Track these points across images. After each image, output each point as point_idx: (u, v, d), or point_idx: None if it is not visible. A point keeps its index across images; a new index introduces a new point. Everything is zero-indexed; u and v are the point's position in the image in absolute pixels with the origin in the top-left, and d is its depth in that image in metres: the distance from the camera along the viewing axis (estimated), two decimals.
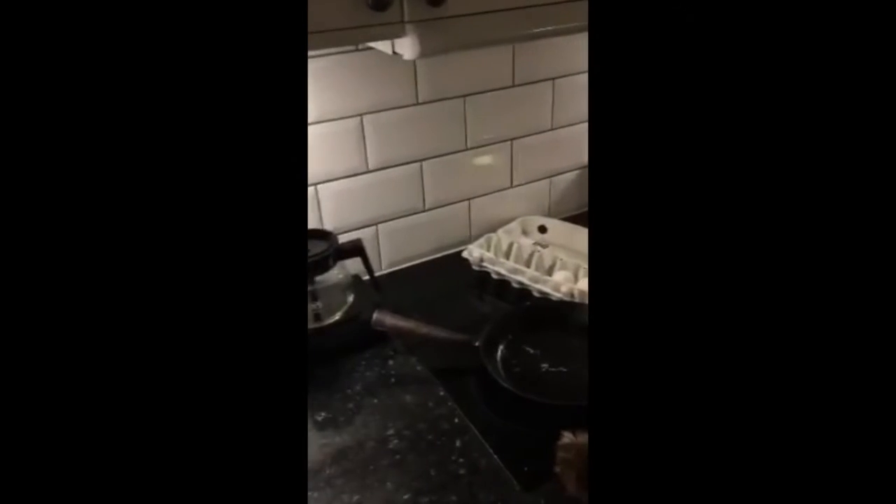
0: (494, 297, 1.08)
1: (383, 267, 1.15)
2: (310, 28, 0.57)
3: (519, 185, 1.24)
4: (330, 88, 0.97)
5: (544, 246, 1.18)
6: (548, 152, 1.25)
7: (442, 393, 0.84)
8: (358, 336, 0.94)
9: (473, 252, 1.12)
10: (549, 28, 0.73)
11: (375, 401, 0.84)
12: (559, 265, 1.06)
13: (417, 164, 1.10)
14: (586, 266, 1.04)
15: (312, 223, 1.03)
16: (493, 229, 1.19)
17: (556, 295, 1.01)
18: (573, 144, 1.27)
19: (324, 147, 1.00)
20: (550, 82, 1.17)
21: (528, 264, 1.09)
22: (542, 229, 1.23)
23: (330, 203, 1.04)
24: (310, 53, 0.88)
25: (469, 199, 1.19)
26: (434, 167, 1.12)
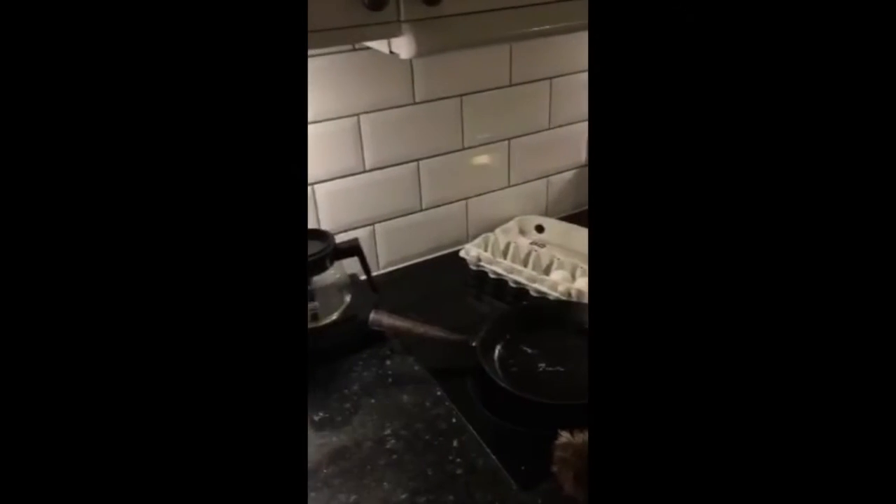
0: (492, 296, 1.08)
1: (380, 267, 1.14)
2: None
3: (516, 185, 1.24)
4: (327, 88, 0.96)
5: (541, 245, 1.18)
6: (545, 152, 1.25)
7: (439, 393, 0.84)
8: (355, 336, 0.94)
9: (471, 252, 1.12)
10: (546, 27, 0.73)
11: (373, 401, 0.84)
12: (556, 264, 1.06)
13: (414, 164, 1.10)
14: (583, 265, 1.04)
15: (309, 223, 1.03)
16: (491, 229, 1.19)
17: (554, 294, 1.01)
18: (570, 144, 1.27)
19: (320, 147, 1.00)
20: (548, 82, 1.17)
21: (525, 264, 1.09)
22: (540, 229, 1.23)
23: (327, 203, 1.04)
24: None
25: (466, 199, 1.19)
26: (431, 167, 1.12)
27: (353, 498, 0.69)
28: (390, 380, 0.88)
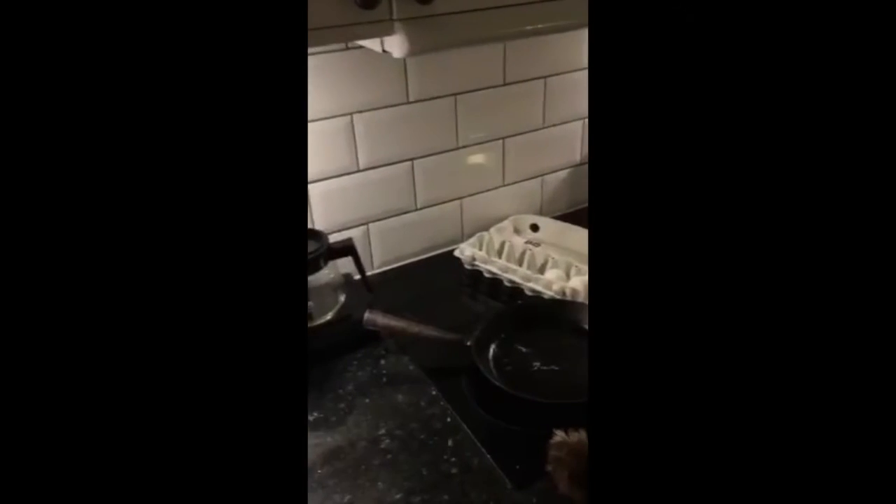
0: (486, 295, 1.08)
1: (375, 266, 1.14)
2: None
3: (511, 184, 1.24)
4: (320, 87, 0.96)
5: (536, 244, 1.18)
6: (539, 151, 1.25)
7: (434, 392, 0.84)
8: (349, 336, 0.94)
9: (465, 251, 1.12)
10: (540, 26, 0.73)
11: (367, 400, 0.84)
12: (551, 263, 1.06)
13: (409, 163, 1.10)
14: (578, 264, 1.04)
15: None
16: (485, 228, 1.19)
17: (548, 293, 1.01)
18: (565, 143, 1.27)
19: (314, 146, 0.99)
20: (542, 80, 1.17)
21: (520, 263, 1.09)
22: (534, 228, 1.23)
23: (321, 202, 1.04)
24: None
25: (461, 198, 1.19)
26: (425, 166, 1.12)
27: (347, 498, 0.69)
28: (385, 379, 0.88)
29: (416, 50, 0.65)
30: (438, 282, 1.12)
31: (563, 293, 1.00)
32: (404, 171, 1.10)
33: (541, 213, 1.29)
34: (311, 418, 0.81)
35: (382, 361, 0.91)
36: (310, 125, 0.98)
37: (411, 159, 1.10)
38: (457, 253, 1.12)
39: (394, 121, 1.05)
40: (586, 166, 1.33)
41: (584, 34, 1.18)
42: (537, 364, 0.88)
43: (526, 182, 1.26)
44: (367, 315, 0.90)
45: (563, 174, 1.30)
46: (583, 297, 0.98)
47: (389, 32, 0.63)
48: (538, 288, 1.03)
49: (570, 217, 1.27)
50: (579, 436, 0.66)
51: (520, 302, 1.03)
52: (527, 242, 1.19)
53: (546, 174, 1.28)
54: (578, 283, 1.00)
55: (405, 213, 1.14)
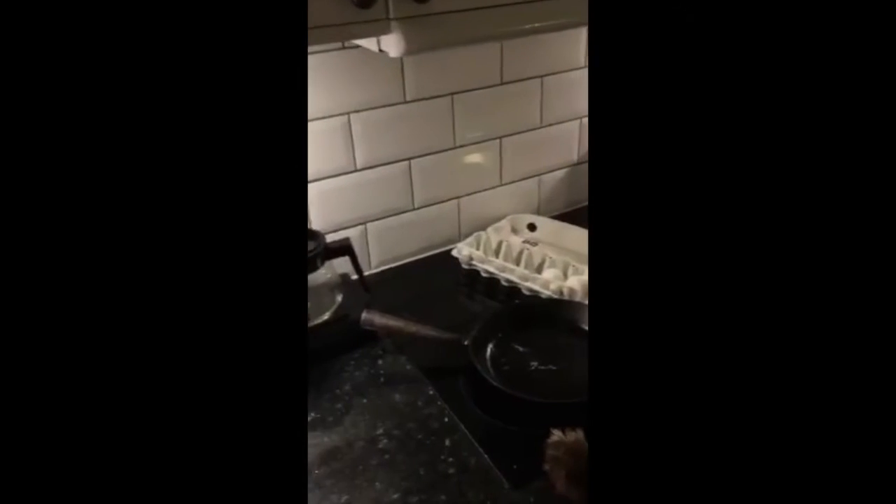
0: (484, 295, 1.08)
1: (372, 266, 1.14)
2: None
3: (508, 184, 1.24)
4: (317, 87, 0.96)
5: (534, 244, 1.18)
6: (537, 150, 1.24)
7: (431, 392, 0.84)
8: (347, 336, 0.94)
9: (463, 250, 1.11)
10: (536, 25, 0.73)
11: (365, 400, 0.84)
12: (548, 263, 1.06)
13: (406, 163, 1.10)
14: (575, 264, 1.04)
15: None
16: (483, 227, 1.19)
17: (546, 293, 1.01)
18: (562, 142, 1.27)
19: (311, 146, 0.99)
20: (539, 80, 1.17)
21: (517, 262, 1.09)
22: (532, 227, 1.23)
23: (318, 202, 1.04)
24: None
25: (458, 198, 1.19)
26: (423, 165, 1.12)
27: (344, 498, 0.69)
28: (382, 379, 0.87)
29: (412, 49, 0.65)
30: (436, 281, 1.12)
31: (561, 292, 1.00)
32: (401, 171, 1.10)
33: (538, 212, 1.29)
34: (308, 418, 0.81)
35: (380, 361, 0.91)
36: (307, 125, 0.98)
37: (408, 159, 1.10)
38: (454, 252, 1.12)
39: (391, 120, 1.05)
40: (583, 166, 1.33)
41: (580, 33, 1.18)
42: (534, 364, 0.87)
43: (523, 181, 1.26)
44: (364, 315, 0.90)
45: (560, 174, 1.30)
46: (580, 297, 0.98)
47: (386, 32, 0.63)
48: (535, 287, 1.03)
49: (567, 216, 1.27)
50: (576, 435, 0.66)
51: (517, 301, 1.03)
52: (524, 242, 1.19)
53: (543, 174, 1.28)
54: (576, 282, 1.00)
55: (402, 212, 1.14)
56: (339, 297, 0.98)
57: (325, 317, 0.95)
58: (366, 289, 1.01)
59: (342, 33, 0.62)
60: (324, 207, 1.04)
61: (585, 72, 1.22)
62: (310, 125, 0.98)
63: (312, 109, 0.97)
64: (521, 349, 0.90)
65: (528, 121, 1.20)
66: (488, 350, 0.90)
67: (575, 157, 1.31)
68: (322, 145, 1.00)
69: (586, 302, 0.97)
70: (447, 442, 0.76)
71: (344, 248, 0.96)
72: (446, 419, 0.80)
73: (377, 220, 1.11)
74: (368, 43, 0.69)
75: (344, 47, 0.95)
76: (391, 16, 0.62)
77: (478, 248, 1.12)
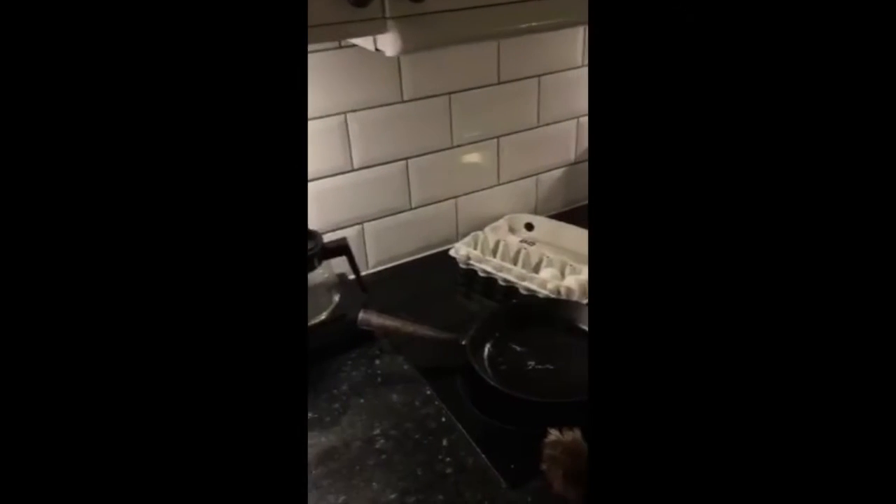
0: (481, 294, 1.08)
1: (369, 266, 1.14)
2: None
3: (505, 183, 1.24)
4: (314, 86, 0.96)
5: (531, 243, 1.18)
6: (534, 149, 1.24)
7: (429, 392, 0.84)
8: (344, 336, 0.93)
9: (460, 250, 1.11)
10: (533, 24, 0.73)
11: (362, 400, 0.83)
12: (546, 262, 1.06)
13: (403, 162, 1.10)
14: (573, 263, 1.04)
15: None
16: (480, 227, 1.19)
17: (543, 292, 1.01)
18: (559, 142, 1.27)
19: (308, 146, 0.99)
20: (536, 79, 1.17)
21: (514, 262, 1.09)
22: (529, 227, 1.23)
23: (315, 202, 1.03)
24: None
25: (455, 198, 1.19)
26: (420, 165, 1.11)
27: (342, 499, 0.69)
28: (379, 379, 0.87)
29: (408, 48, 0.65)
30: (433, 281, 1.11)
31: (558, 292, 0.99)
32: (399, 171, 1.10)
33: (535, 212, 1.29)
34: None
35: (377, 361, 0.91)
36: None
37: (406, 158, 1.10)
38: (451, 252, 1.12)
39: (388, 120, 1.04)
40: (581, 165, 1.33)
41: (577, 33, 1.18)
42: (532, 363, 0.87)
43: (521, 181, 1.26)
44: (361, 315, 0.90)
45: (557, 173, 1.30)
46: (577, 296, 0.98)
47: (382, 30, 0.63)
48: (533, 287, 1.02)
49: (564, 216, 1.27)
50: (574, 434, 0.66)
51: (514, 301, 1.03)
52: (521, 241, 1.19)
53: (541, 173, 1.28)
54: (573, 281, 1.00)
55: (400, 212, 1.13)
56: (336, 297, 0.97)
57: (322, 317, 0.95)
58: (363, 289, 1.01)
59: (338, 32, 0.62)
60: (321, 207, 1.04)
61: (582, 71, 1.22)
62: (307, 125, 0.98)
63: (309, 109, 0.97)
64: (518, 349, 0.90)
65: (526, 120, 1.20)
66: (486, 350, 0.90)
67: (572, 157, 1.31)
68: (319, 145, 1.00)
69: (583, 301, 0.97)
70: (444, 442, 0.76)
71: (341, 248, 0.95)
72: (443, 419, 0.80)
73: (374, 219, 1.11)
74: (364, 42, 0.69)
75: (340, 46, 0.95)
76: (387, 14, 0.62)
77: (475, 248, 1.12)
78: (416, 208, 1.15)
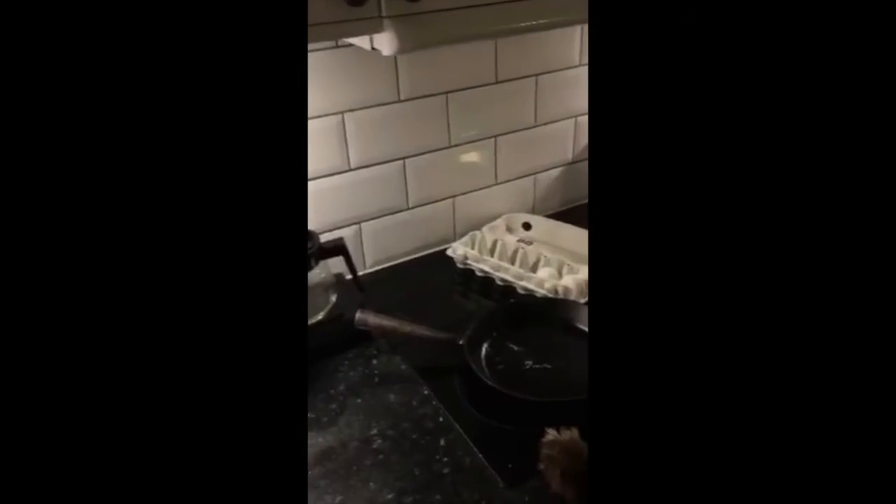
0: (478, 294, 1.08)
1: (367, 266, 1.14)
2: None
3: (503, 183, 1.24)
4: (311, 86, 0.96)
5: (528, 243, 1.18)
6: (532, 149, 1.24)
7: (426, 392, 0.84)
8: (341, 336, 0.93)
9: (458, 250, 1.11)
10: (530, 23, 0.73)
11: (359, 400, 0.83)
12: (543, 262, 1.06)
13: (400, 162, 1.10)
14: (570, 262, 1.04)
15: None
16: (478, 227, 1.19)
17: (540, 292, 1.01)
18: (557, 141, 1.27)
19: None
20: (534, 78, 1.17)
21: (512, 261, 1.09)
22: (527, 226, 1.23)
23: (312, 202, 1.03)
24: None
25: (453, 197, 1.19)
26: (417, 165, 1.11)
27: (339, 499, 0.69)
28: (377, 379, 0.87)
29: (405, 47, 0.65)
30: (430, 281, 1.11)
31: (556, 291, 0.99)
32: (396, 170, 1.10)
33: (533, 211, 1.29)
34: None
35: (374, 361, 0.91)
36: None
37: (403, 158, 1.10)
38: (449, 252, 1.12)
39: (385, 119, 1.04)
40: (578, 165, 1.33)
41: (575, 32, 1.18)
42: (529, 363, 0.87)
43: (518, 180, 1.26)
44: (358, 315, 0.90)
45: (555, 172, 1.30)
46: (575, 296, 0.98)
47: (378, 30, 0.63)
48: (530, 286, 1.02)
49: (562, 215, 1.27)
50: (571, 434, 0.66)
51: (512, 300, 1.03)
52: (519, 241, 1.18)
53: (538, 172, 1.28)
54: (570, 281, 1.00)
55: (397, 212, 1.13)
56: (334, 297, 0.97)
57: (320, 317, 0.95)
58: (360, 288, 1.01)
59: (334, 31, 0.62)
60: (318, 207, 1.04)
61: (580, 70, 1.22)
62: None
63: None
64: (515, 348, 0.90)
65: (523, 119, 1.20)
66: (483, 349, 0.90)
67: (570, 156, 1.31)
68: (316, 144, 1.00)
69: (581, 301, 0.97)
70: (442, 442, 0.76)
71: (338, 248, 0.95)
72: (441, 419, 0.79)
73: (371, 219, 1.11)
74: (361, 41, 0.69)
75: (337, 46, 0.95)
76: (384, 14, 0.62)
77: (473, 248, 1.12)
78: (413, 208, 1.15)
